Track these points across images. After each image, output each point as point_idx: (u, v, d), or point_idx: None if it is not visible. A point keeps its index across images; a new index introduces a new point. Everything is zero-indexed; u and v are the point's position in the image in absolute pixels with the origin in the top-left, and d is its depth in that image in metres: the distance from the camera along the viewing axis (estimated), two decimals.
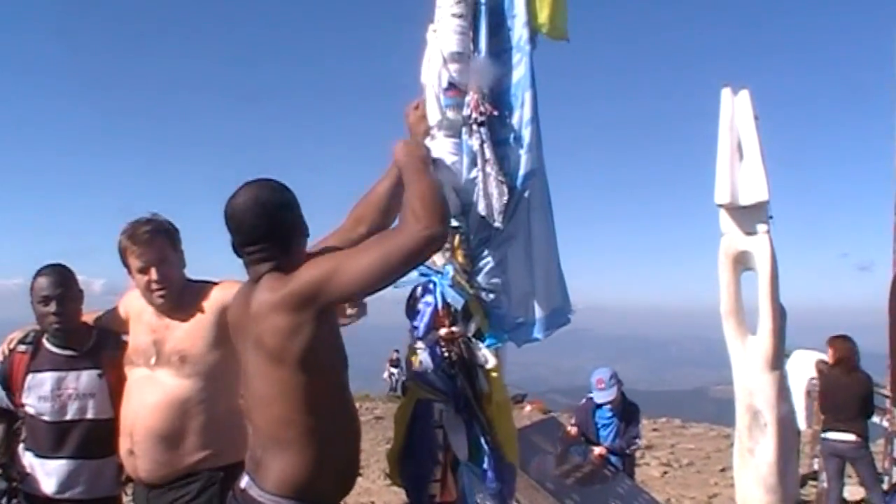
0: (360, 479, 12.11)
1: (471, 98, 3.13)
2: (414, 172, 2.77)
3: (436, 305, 2.93)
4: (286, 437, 2.73)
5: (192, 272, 3.89)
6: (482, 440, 2.89)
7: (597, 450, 7.31)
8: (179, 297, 3.69)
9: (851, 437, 8.72)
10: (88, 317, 4.07)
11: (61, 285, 3.90)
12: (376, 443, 15.79)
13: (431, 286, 2.96)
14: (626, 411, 7.89)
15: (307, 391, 2.69)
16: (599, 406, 7.90)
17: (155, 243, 3.64)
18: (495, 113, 3.15)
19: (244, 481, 2.83)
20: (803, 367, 10.80)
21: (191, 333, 3.56)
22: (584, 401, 8.23)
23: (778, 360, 6.64)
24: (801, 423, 9.18)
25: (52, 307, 3.85)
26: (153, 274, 3.63)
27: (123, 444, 3.68)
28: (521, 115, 3.21)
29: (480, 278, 3.13)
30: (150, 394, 3.61)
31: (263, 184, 2.85)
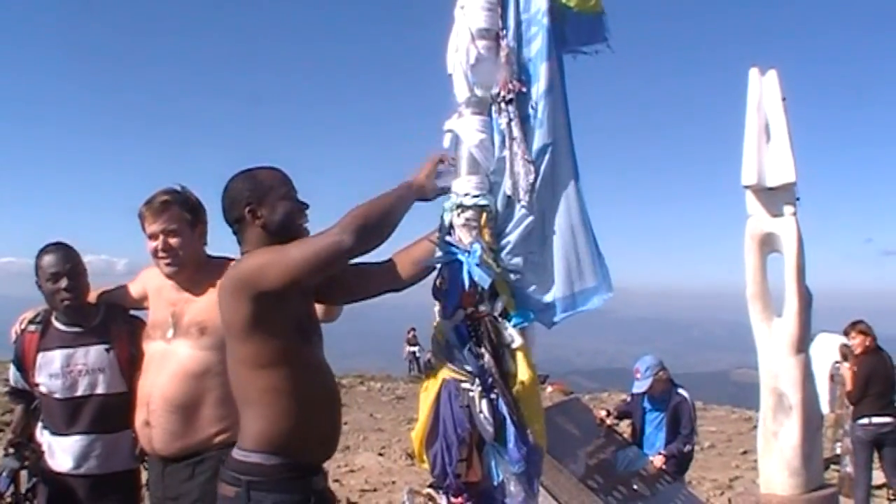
0: (381, 459, 12.23)
1: (500, 75, 3.10)
2: (393, 202, 2.97)
3: (462, 284, 2.92)
4: (246, 399, 3.04)
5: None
6: (508, 420, 2.87)
7: (656, 461, 7.22)
8: (199, 271, 3.75)
9: (889, 419, 8.67)
10: (94, 293, 4.11)
11: (69, 261, 3.96)
12: (398, 423, 15.86)
13: (458, 265, 2.94)
14: (672, 403, 7.76)
15: (252, 358, 2.97)
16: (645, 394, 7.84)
17: (167, 212, 3.72)
18: (524, 90, 3.12)
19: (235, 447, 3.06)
20: (827, 351, 10.74)
21: (210, 306, 3.59)
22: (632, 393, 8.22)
23: (803, 342, 6.61)
24: (824, 407, 9.12)
25: (63, 283, 3.91)
26: (160, 242, 3.70)
27: (139, 416, 3.72)
28: (536, 89, 3.15)
29: (504, 257, 3.11)
30: (168, 365, 3.66)
31: (239, 173, 3.19)
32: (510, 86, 3.08)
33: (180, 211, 3.76)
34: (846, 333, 9.18)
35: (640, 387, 7.73)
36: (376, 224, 2.86)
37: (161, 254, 3.73)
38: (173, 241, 3.73)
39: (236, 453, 3.01)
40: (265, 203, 3.08)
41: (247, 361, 2.99)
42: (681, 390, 7.88)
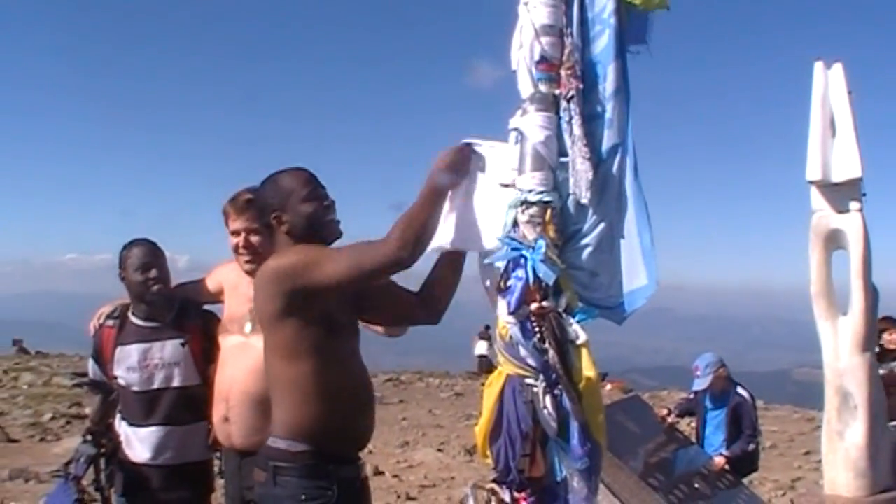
0: (440, 455, 12.28)
1: (563, 74, 3.09)
2: (429, 192, 3.06)
3: (527, 280, 2.92)
4: (276, 388, 3.15)
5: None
6: (572, 416, 2.87)
7: (718, 461, 7.19)
8: None
9: None
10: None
11: (156, 253, 4.08)
12: (456, 419, 15.89)
13: (522, 261, 2.94)
14: (732, 403, 7.69)
15: (282, 347, 3.09)
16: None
17: (250, 210, 3.79)
18: (580, 86, 3.11)
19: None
20: None
21: None
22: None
23: (869, 341, 6.48)
24: None
25: (154, 273, 4.03)
26: (242, 239, 3.79)
27: (218, 411, 3.79)
28: (603, 89, 3.16)
29: (584, 259, 3.12)
30: (246, 360, 3.72)
31: (268, 179, 3.32)
32: (570, 83, 3.08)
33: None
34: (881, 331, 8.93)
35: (699, 384, 7.68)
36: (426, 234, 2.99)
37: (242, 251, 3.84)
38: (254, 239, 3.83)
39: (269, 440, 3.13)
40: (288, 208, 3.21)
41: (277, 350, 3.11)
42: (741, 389, 7.80)
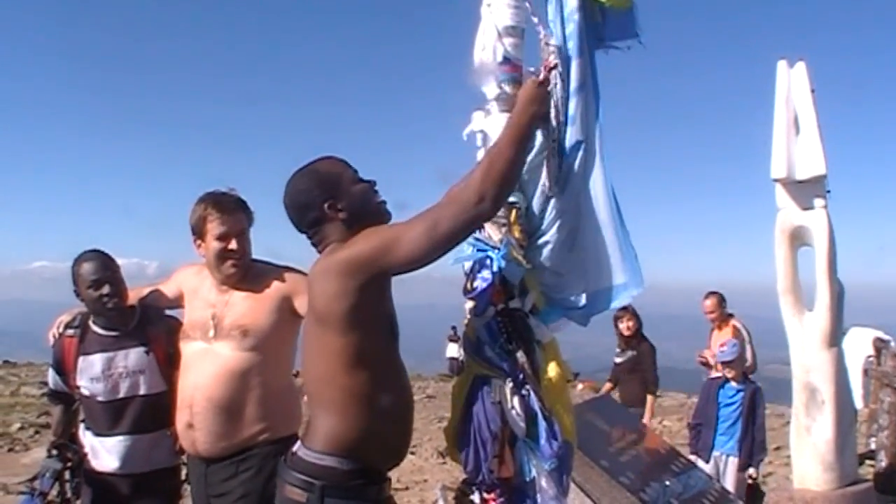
0: (412, 457, 12.21)
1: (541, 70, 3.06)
2: (513, 131, 2.76)
3: (493, 281, 2.91)
4: (329, 397, 2.83)
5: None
6: (540, 416, 2.87)
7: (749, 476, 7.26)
8: (246, 273, 3.77)
9: None
10: (132, 294, 4.14)
11: (108, 267, 4.00)
12: (428, 421, 15.85)
13: (488, 262, 2.93)
14: (751, 388, 7.53)
15: (348, 353, 2.76)
16: (723, 385, 7.57)
17: (238, 213, 3.75)
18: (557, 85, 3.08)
19: (296, 445, 2.91)
20: (860, 345, 10.62)
21: (253, 309, 3.63)
22: (706, 379, 8.08)
23: (835, 336, 6.55)
24: (858, 402, 9.01)
25: (106, 289, 3.95)
26: (233, 243, 3.73)
27: (182, 418, 3.75)
28: (567, 86, 3.10)
29: (545, 258, 3.09)
30: (209, 366, 3.68)
31: (301, 173, 3.02)
32: (552, 82, 3.02)
33: (244, 215, 3.81)
34: (616, 319, 8.98)
35: (727, 355, 7.37)
36: (510, 180, 2.70)
37: (232, 255, 3.74)
38: (245, 244, 3.77)
39: (305, 454, 2.84)
40: (341, 194, 2.93)
41: (337, 355, 2.77)
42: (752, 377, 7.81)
